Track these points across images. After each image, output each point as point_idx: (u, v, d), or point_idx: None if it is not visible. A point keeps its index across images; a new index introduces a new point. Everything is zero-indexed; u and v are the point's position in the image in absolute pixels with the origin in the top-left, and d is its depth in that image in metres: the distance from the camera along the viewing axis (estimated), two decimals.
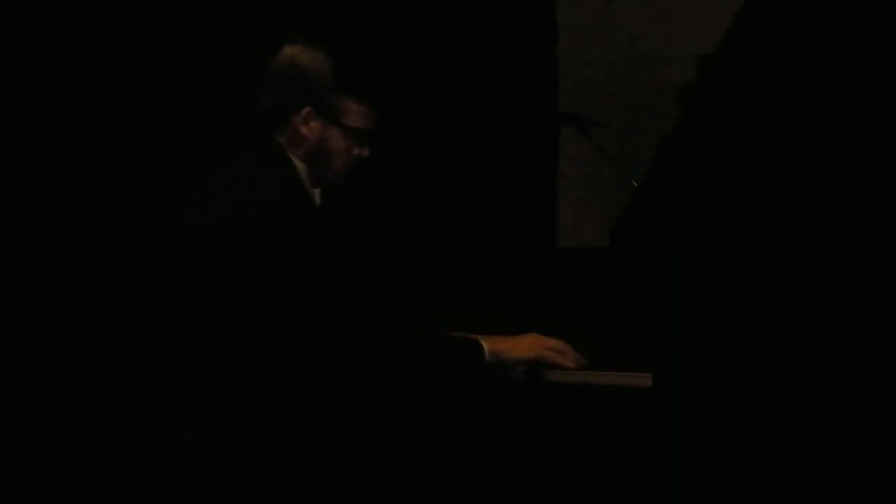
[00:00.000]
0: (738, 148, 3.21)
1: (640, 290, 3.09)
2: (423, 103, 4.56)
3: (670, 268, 3.09)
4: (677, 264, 3.09)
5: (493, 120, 4.67)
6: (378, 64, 2.99)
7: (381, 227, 4.47)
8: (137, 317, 2.91)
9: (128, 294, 4.07)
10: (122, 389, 3.81)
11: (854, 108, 3.08)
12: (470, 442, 3.08)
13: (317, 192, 2.92)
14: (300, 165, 2.86)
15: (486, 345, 2.83)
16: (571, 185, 4.73)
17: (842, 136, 3.08)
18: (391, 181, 4.34)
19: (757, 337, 2.88)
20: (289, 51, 2.86)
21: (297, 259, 2.69)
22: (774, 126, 3.15)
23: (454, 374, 2.83)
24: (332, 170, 2.89)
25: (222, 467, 2.67)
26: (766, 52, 3.17)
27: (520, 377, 2.90)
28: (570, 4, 4.76)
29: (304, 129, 2.84)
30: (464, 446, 3.09)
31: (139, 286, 3.56)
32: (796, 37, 3.13)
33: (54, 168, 4.21)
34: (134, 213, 4.19)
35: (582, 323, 3.02)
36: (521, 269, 3.37)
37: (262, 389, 2.70)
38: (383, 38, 4.44)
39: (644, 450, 2.86)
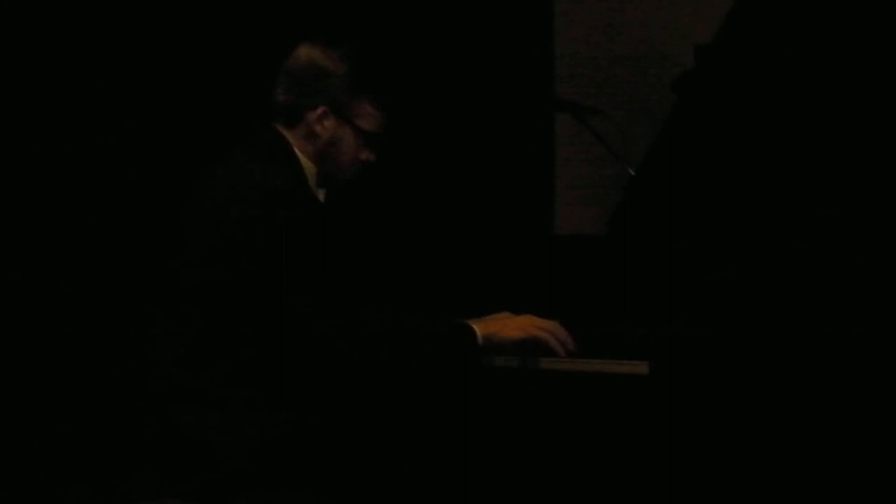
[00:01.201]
0: (733, 136, 3.21)
1: (637, 279, 3.08)
2: (420, 96, 4.53)
3: (666, 256, 3.09)
4: (672, 252, 3.09)
5: (490, 110, 4.67)
6: (395, 68, 3.00)
7: (376, 218, 4.47)
8: (139, 312, 2.92)
9: (128, 290, 4.10)
10: (123, 382, 3.85)
11: (848, 99, 3.08)
12: (464, 430, 3.08)
13: (321, 192, 2.93)
14: (308, 165, 2.88)
15: (479, 328, 2.82)
16: (568, 173, 4.74)
17: (836, 125, 3.08)
18: (387, 173, 4.34)
19: (754, 328, 2.88)
20: (308, 49, 2.88)
21: (301, 251, 2.71)
22: (769, 115, 3.16)
23: (449, 358, 2.82)
24: (340, 170, 2.91)
25: (221, 457, 2.69)
26: (761, 43, 3.18)
27: (512, 363, 2.90)
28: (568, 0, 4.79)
29: (317, 127, 2.86)
30: (458, 434, 3.09)
31: (140, 283, 3.60)
32: (790, 27, 3.13)
33: (56, 169, 4.24)
34: (137, 211, 4.22)
35: (577, 310, 3.01)
36: (518, 256, 3.37)
37: (262, 379, 2.72)
38: (381, 33, 4.45)
39: (638, 437, 2.86)
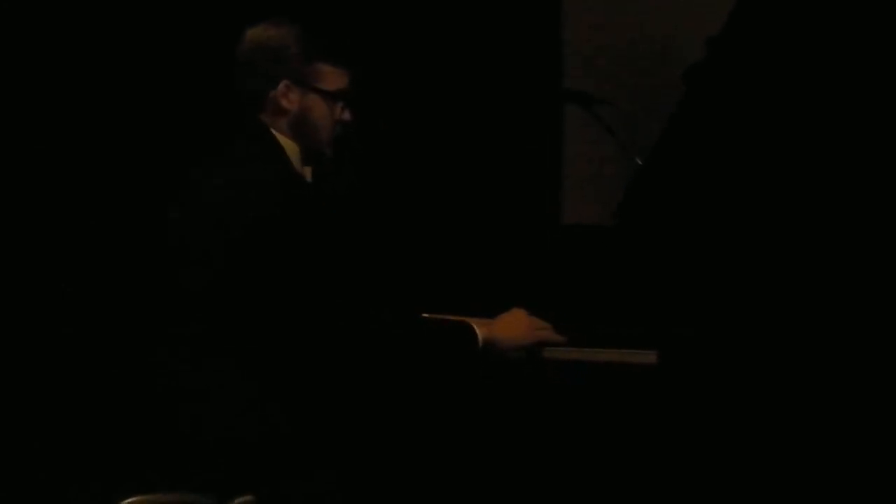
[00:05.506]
0: (741, 129, 3.22)
1: (644, 269, 3.09)
2: (428, 90, 4.58)
3: (672, 246, 3.11)
4: (678, 242, 3.11)
5: (498, 99, 4.68)
6: (343, 24, 3.00)
7: (382, 208, 4.48)
8: (139, 312, 2.92)
9: (128, 290, 4.12)
10: (123, 382, 3.85)
11: (859, 94, 3.09)
12: (468, 422, 3.11)
13: (307, 170, 2.94)
14: (289, 144, 2.89)
15: (481, 330, 2.84)
16: (576, 169, 4.74)
17: (846, 119, 3.08)
18: (395, 164, 4.35)
19: (761, 320, 2.88)
20: (253, 31, 2.90)
21: (297, 247, 2.71)
22: (779, 107, 3.17)
23: (448, 358, 2.84)
24: (320, 139, 2.91)
25: (223, 456, 2.69)
26: (769, 34, 3.20)
27: (520, 356, 2.90)
28: None
29: (284, 103, 2.87)
30: (461, 426, 3.12)
31: (140, 283, 3.59)
32: (799, 19, 3.15)
33: (56, 169, 4.27)
34: (138, 210, 4.23)
35: (586, 300, 3.03)
36: (525, 245, 3.38)
37: (266, 378, 2.72)
38: (388, 23, 4.47)
39: (647, 426, 2.88)
